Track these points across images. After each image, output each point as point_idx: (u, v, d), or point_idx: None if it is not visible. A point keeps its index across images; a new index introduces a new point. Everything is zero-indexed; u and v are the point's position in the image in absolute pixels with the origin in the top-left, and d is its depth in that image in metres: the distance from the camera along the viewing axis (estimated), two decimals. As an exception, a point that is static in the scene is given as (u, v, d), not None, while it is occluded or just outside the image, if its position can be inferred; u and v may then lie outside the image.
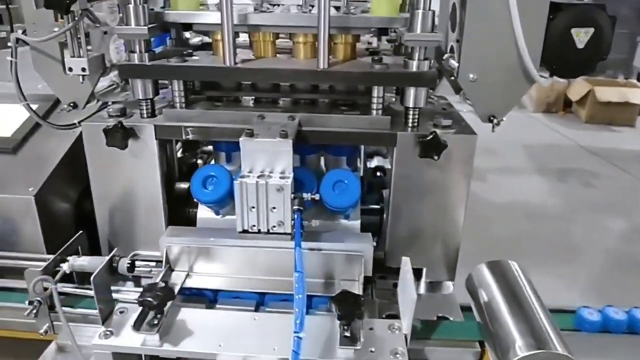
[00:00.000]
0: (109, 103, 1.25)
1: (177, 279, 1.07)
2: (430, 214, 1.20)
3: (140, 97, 1.15)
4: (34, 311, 1.05)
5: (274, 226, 1.02)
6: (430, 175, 1.16)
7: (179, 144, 1.57)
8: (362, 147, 1.48)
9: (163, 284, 0.95)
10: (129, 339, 0.91)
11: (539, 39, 1.06)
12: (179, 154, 1.55)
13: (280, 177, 0.99)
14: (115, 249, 1.01)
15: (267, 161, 1.01)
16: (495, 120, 1.12)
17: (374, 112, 1.14)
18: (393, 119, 1.16)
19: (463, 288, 1.25)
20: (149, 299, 0.91)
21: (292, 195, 0.98)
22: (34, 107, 1.34)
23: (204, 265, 1.09)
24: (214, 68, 1.10)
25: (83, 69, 1.08)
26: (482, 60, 1.07)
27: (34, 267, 1.05)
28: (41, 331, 1.07)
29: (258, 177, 0.99)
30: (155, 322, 0.93)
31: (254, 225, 1.02)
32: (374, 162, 1.69)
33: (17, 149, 1.28)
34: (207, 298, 1.08)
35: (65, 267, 1.01)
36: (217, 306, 1.05)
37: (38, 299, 1.05)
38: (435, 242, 1.24)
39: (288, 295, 1.05)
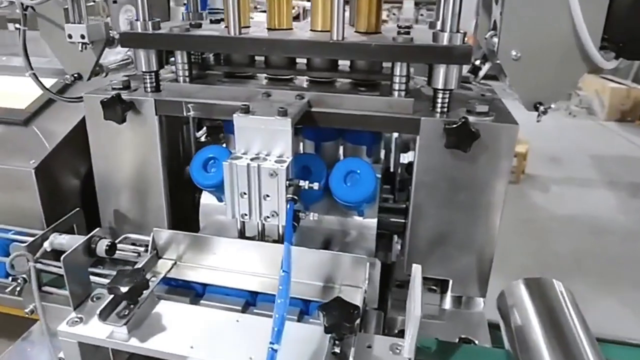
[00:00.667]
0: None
1: (163, 268, 0.97)
2: (458, 217, 1.03)
3: (144, 70, 1.07)
4: (18, 289, 1.00)
5: (267, 217, 0.90)
6: (459, 171, 0.98)
7: (204, 128, 1.50)
8: (393, 138, 1.33)
9: (137, 271, 0.85)
10: (96, 329, 0.82)
11: (600, 8, 0.85)
12: (203, 139, 1.47)
13: (276, 161, 0.86)
14: (97, 230, 0.93)
15: (264, 142, 0.89)
16: (541, 108, 0.93)
17: (396, 93, 0.99)
18: (419, 103, 1.00)
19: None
20: (118, 286, 0.82)
21: (287, 182, 0.85)
22: (53, 81, 1.32)
23: (192, 256, 0.99)
24: (215, 38, 1.00)
25: (82, 36, 1.02)
26: (528, 34, 0.89)
27: (23, 243, 1.01)
28: (26, 310, 1.02)
29: (251, 159, 0.87)
30: (126, 313, 0.84)
31: (245, 215, 0.90)
32: (409, 157, 1.53)
33: (29, 121, 1.25)
34: (196, 291, 0.98)
35: (46, 245, 0.95)
36: (202, 302, 0.95)
37: (23, 276, 1.00)
38: (464, 251, 1.06)
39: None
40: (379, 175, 1.11)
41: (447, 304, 1.14)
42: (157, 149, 1.10)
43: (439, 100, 0.98)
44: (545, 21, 0.88)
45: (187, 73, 1.07)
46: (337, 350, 0.76)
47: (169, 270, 0.96)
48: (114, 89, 1.09)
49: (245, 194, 0.88)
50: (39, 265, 0.93)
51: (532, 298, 0.99)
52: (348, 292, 0.90)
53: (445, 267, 1.09)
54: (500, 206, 1.01)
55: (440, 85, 0.96)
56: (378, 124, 0.99)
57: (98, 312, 0.81)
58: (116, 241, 1.04)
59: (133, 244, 1.04)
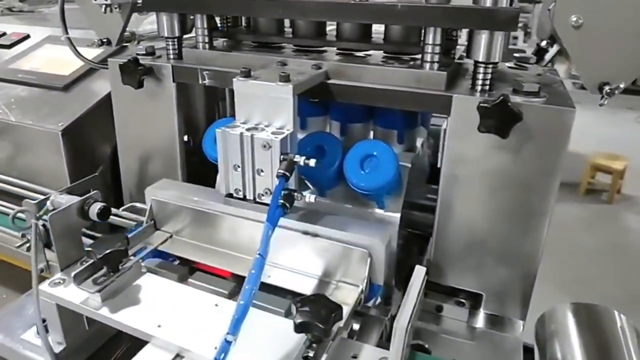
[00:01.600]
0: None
1: (157, 239, 0.92)
2: (495, 220, 0.86)
3: (166, 35, 1.03)
4: (27, 245, 1.01)
5: (261, 194, 0.80)
6: (497, 163, 0.81)
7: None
8: (443, 127, 1.16)
9: (118, 237, 0.80)
10: (74, 294, 0.78)
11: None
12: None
13: (273, 133, 0.76)
14: (94, 192, 0.90)
15: (264, 111, 0.79)
16: (606, 89, 0.73)
17: (427, 65, 0.84)
18: (456, 80, 0.84)
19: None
20: (95, 250, 0.77)
21: (282, 156, 0.75)
22: (99, 51, 1.34)
23: (190, 231, 0.92)
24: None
25: (105, -3, 1.00)
26: (595, -7, 0.70)
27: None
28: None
29: (247, 129, 0.78)
30: (103, 279, 0.79)
31: (238, 190, 0.82)
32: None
33: (69, 87, 1.28)
34: (187, 269, 0.91)
35: (48, 204, 0.94)
36: (190, 280, 0.87)
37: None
38: (501, 262, 0.89)
39: (271, 285, 0.82)
40: (408, 164, 0.97)
41: (480, 322, 0.96)
42: (173, 117, 1.06)
43: (480, 76, 0.82)
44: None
45: (206, 39, 1.01)
46: (311, 354, 0.64)
47: (161, 243, 0.91)
48: (137, 54, 1.07)
49: (238, 166, 0.80)
50: (40, 222, 0.91)
51: (579, 327, 0.80)
52: (343, 291, 0.77)
53: (477, 279, 0.92)
54: (548, 211, 0.82)
55: (481, 57, 0.80)
56: (402, 100, 0.85)
57: (73, 274, 0.77)
58: (121, 209, 1.01)
59: (137, 213, 1.00)
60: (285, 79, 0.77)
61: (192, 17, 1.03)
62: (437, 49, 0.82)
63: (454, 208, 0.88)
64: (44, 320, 0.83)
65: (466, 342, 0.92)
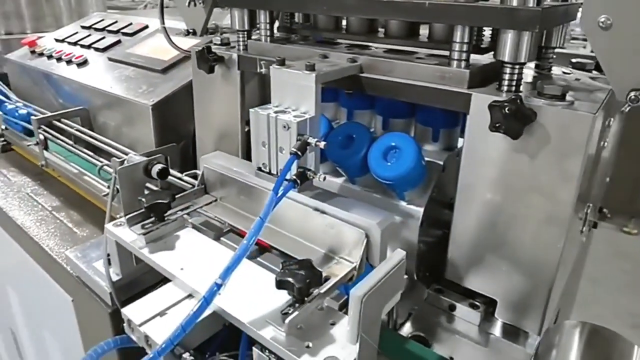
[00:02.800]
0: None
1: (204, 201, 1.06)
2: (509, 223, 0.84)
3: (237, 28, 1.17)
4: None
5: (282, 170, 0.89)
6: (513, 165, 0.80)
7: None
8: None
9: (165, 193, 0.96)
10: (127, 234, 0.96)
11: None
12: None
13: (296, 116, 0.85)
14: (158, 155, 1.07)
15: (293, 97, 0.88)
16: (632, 94, 0.68)
17: (454, 63, 0.85)
18: (490, 80, 0.84)
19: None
20: (144, 199, 0.94)
21: (298, 137, 0.83)
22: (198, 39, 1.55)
23: (234, 199, 1.05)
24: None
25: (188, -8, 1.17)
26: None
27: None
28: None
29: (275, 111, 0.88)
30: (150, 226, 0.95)
31: (264, 164, 0.92)
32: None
33: (166, 70, 1.50)
34: (222, 230, 1.04)
35: (125, 162, 1.14)
36: (223, 239, 1.01)
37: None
38: (516, 268, 0.87)
39: (283, 253, 0.92)
40: (440, 162, 0.99)
41: (494, 329, 0.95)
42: (237, 102, 1.20)
43: (506, 77, 0.81)
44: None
45: (268, 33, 1.13)
46: (290, 311, 0.72)
47: (205, 204, 1.05)
48: (213, 43, 1.23)
49: (265, 144, 0.90)
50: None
51: (584, 350, 0.75)
52: (341, 266, 0.83)
53: (492, 283, 0.91)
54: (565, 219, 0.78)
55: (506, 57, 0.79)
56: (425, 95, 0.87)
57: (127, 218, 0.95)
58: (184, 173, 1.18)
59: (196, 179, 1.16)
60: (311, 68, 0.85)
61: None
62: (465, 47, 0.83)
63: (471, 207, 0.89)
64: (108, 255, 1.02)
65: (471, 344, 0.91)
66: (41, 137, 1.49)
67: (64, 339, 1.42)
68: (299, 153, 0.82)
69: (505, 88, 0.82)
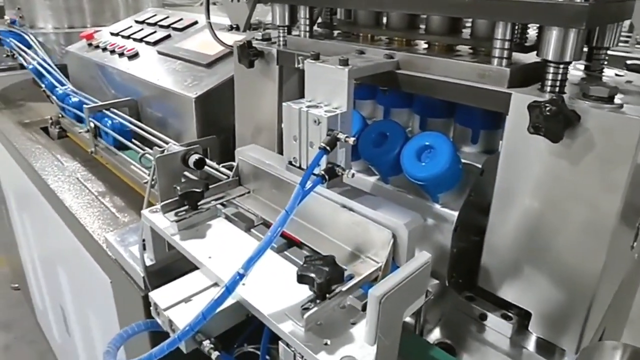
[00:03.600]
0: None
1: (237, 192, 1.08)
2: (547, 231, 0.80)
3: (277, 24, 1.18)
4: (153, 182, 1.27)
5: (312, 165, 0.89)
6: (554, 170, 0.76)
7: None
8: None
9: (200, 182, 0.98)
10: (161, 220, 0.99)
11: None
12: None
13: (327, 111, 0.85)
14: (196, 146, 1.10)
15: (326, 92, 0.88)
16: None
17: (495, 61, 0.82)
18: (534, 80, 0.80)
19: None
20: (179, 187, 0.96)
21: (328, 132, 0.82)
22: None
23: (267, 192, 1.05)
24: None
25: (232, -12, 1.19)
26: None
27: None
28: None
29: (308, 106, 0.88)
30: (183, 214, 0.98)
31: (295, 158, 0.92)
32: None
33: (211, 65, 1.54)
34: (253, 222, 1.05)
35: (165, 150, 1.17)
36: (252, 231, 1.02)
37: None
38: (553, 280, 0.82)
39: (309, 248, 0.92)
40: (478, 165, 0.95)
41: (528, 342, 0.90)
42: (275, 97, 1.21)
43: (550, 77, 0.77)
44: None
45: (307, 28, 1.13)
46: (310, 306, 0.72)
47: (238, 196, 1.06)
48: (255, 39, 1.24)
49: (296, 138, 0.90)
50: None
51: (623, 370, 0.70)
52: (366, 265, 0.82)
53: (526, 294, 0.87)
54: (608, 230, 0.73)
55: (550, 56, 0.75)
56: (463, 94, 0.84)
57: (161, 205, 0.98)
58: (221, 165, 1.20)
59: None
60: (344, 63, 0.84)
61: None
62: (507, 45, 0.80)
63: (507, 213, 0.84)
64: (143, 240, 1.06)
65: (500, 357, 0.87)
66: (92, 125, 1.57)
67: (104, 318, 1.49)
68: (328, 148, 0.81)
69: (548, 89, 0.77)
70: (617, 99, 0.72)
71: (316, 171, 0.84)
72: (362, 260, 0.85)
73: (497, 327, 0.92)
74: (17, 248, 2.74)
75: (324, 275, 0.69)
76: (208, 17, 1.38)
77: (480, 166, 0.95)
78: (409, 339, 0.86)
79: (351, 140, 0.81)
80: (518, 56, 0.86)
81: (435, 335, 0.93)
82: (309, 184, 0.81)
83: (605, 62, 0.95)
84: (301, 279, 0.70)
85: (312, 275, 0.69)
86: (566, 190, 0.75)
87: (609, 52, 0.96)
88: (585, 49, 0.95)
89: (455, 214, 0.94)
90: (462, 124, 1.01)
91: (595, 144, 0.70)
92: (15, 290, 3.48)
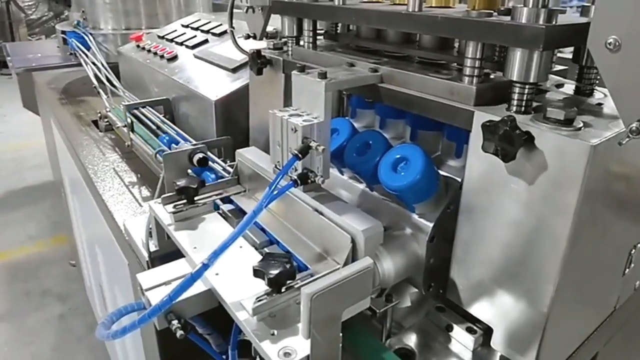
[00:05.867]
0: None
1: (234, 190, 1.16)
2: (504, 249, 0.81)
3: (286, 35, 1.26)
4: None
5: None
6: (510, 188, 0.77)
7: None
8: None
9: (196, 179, 1.08)
10: (162, 211, 1.10)
11: None
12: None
13: (305, 120, 0.90)
14: (201, 146, 1.19)
15: (309, 102, 0.94)
16: (633, 125, 0.62)
17: (465, 79, 0.84)
18: (499, 98, 0.81)
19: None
20: (178, 182, 1.06)
21: (303, 140, 0.88)
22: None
23: (256, 190, 1.13)
24: (323, 7, 1.07)
25: (246, 0, 1.27)
26: (638, 9, 0.60)
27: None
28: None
29: (291, 114, 0.94)
30: (181, 207, 1.08)
31: (279, 162, 0.98)
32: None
33: (236, 70, 1.64)
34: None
35: (175, 147, 1.28)
36: (239, 226, 1.10)
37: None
38: (512, 297, 0.83)
39: (284, 247, 0.98)
40: (458, 179, 0.97)
41: (492, 357, 0.91)
42: (281, 103, 1.28)
43: (515, 97, 0.78)
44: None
45: (310, 40, 1.19)
46: (264, 297, 0.78)
47: (234, 194, 1.15)
48: (267, 48, 1.33)
49: (279, 144, 0.97)
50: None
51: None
52: (328, 266, 0.87)
53: (487, 309, 0.88)
54: (559, 253, 0.73)
55: (515, 76, 0.76)
56: (434, 110, 0.87)
57: (162, 197, 1.08)
58: (227, 164, 1.30)
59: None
60: (322, 76, 0.89)
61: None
62: (477, 63, 0.82)
63: (470, 228, 0.86)
64: (150, 228, 1.17)
65: (459, 367, 0.89)
66: (129, 120, 1.73)
67: (126, 297, 1.64)
68: (300, 155, 0.87)
69: (514, 109, 0.79)
70: (580, 122, 0.72)
71: (293, 175, 0.91)
72: (326, 261, 0.90)
73: (461, 340, 0.93)
74: (73, 228, 3.02)
75: (276, 271, 0.76)
76: (231, 24, 1.48)
77: (460, 180, 0.97)
78: (366, 340, 0.90)
79: (321, 148, 0.86)
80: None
81: (401, 340, 0.96)
82: (280, 187, 0.87)
83: (597, 82, 0.94)
84: (256, 273, 0.77)
85: (264, 270, 0.76)
86: (521, 210, 0.76)
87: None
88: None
89: (431, 225, 0.97)
90: (448, 138, 1.03)
91: (548, 166, 0.71)
92: (72, 267, 3.83)
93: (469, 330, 0.92)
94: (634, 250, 1.01)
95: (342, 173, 1.13)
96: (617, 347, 1.21)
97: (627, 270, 1.02)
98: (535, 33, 0.69)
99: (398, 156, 0.93)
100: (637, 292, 1.17)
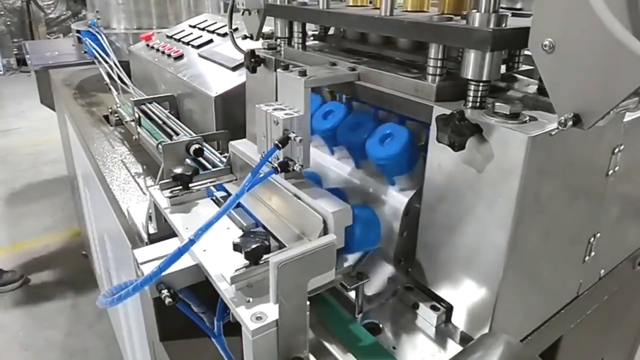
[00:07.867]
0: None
1: (225, 179, 1.26)
2: (459, 230, 0.89)
3: (279, 35, 1.35)
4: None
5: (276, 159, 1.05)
6: (464, 177, 0.85)
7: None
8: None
9: (190, 167, 1.18)
10: (160, 196, 1.20)
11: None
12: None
13: (286, 113, 1.00)
14: (198, 137, 1.30)
15: (291, 98, 1.03)
16: (562, 118, 0.70)
17: (429, 77, 0.92)
18: (460, 95, 0.90)
19: None
20: (174, 169, 1.16)
21: (283, 132, 0.98)
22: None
23: (245, 178, 1.23)
24: (308, 10, 1.17)
25: (242, 3, 1.37)
26: (568, 15, 0.68)
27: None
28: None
29: (275, 109, 1.03)
30: (177, 192, 1.18)
31: (264, 152, 1.08)
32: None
33: (236, 68, 1.74)
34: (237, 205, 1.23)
35: (175, 138, 1.39)
36: (230, 212, 1.19)
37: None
38: (466, 276, 0.91)
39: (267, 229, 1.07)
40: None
41: (457, 337, 0.99)
42: (273, 99, 1.37)
43: (471, 94, 0.86)
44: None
45: (300, 41, 1.28)
46: (242, 269, 0.87)
47: (225, 182, 1.25)
48: (261, 48, 1.42)
49: (265, 135, 1.06)
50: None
51: None
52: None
53: (446, 287, 0.96)
54: (503, 238, 0.81)
55: (469, 75, 0.85)
56: (402, 106, 0.95)
57: (160, 183, 1.19)
58: (222, 155, 1.40)
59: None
60: (302, 74, 0.98)
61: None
62: (438, 63, 0.90)
63: (431, 210, 0.95)
64: (150, 212, 1.28)
65: (424, 341, 0.97)
66: (136, 115, 1.84)
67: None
68: (280, 145, 0.97)
69: (470, 104, 0.87)
70: (526, 116, 0.80)
71: (275, 163, 1.00)
72: (302, 241, 0.99)
73: (426, 316, 1.01)
74: (85, 220, 3.16)
75: (253, 246, 0.85)
76: (230, 25, 1.58)
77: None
78: (337, 313, 0.99)
79: (299, 139, 0.95)
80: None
81: (370, 316, 1.04)
82: (262, 173, 0.97)
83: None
84: (235, 247, 0.87)
85: (242, 245, 0.85)
86: (475, 196, 0.85)
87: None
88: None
89: (406, 200, 1.04)
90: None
91: (494, 155, 0.79)
92: (84, 257, 3.98)
93: (433, 308, 1.00)
94: (593, 239, 1.08)
95: (332, 153, 1.21)
96: (586, 332, 1.28)
97: (588, 258, 1.09)
98: (484, 36, 0.77)
99: (385, 133, 1.01)
100: (604, 281, 1.24)
